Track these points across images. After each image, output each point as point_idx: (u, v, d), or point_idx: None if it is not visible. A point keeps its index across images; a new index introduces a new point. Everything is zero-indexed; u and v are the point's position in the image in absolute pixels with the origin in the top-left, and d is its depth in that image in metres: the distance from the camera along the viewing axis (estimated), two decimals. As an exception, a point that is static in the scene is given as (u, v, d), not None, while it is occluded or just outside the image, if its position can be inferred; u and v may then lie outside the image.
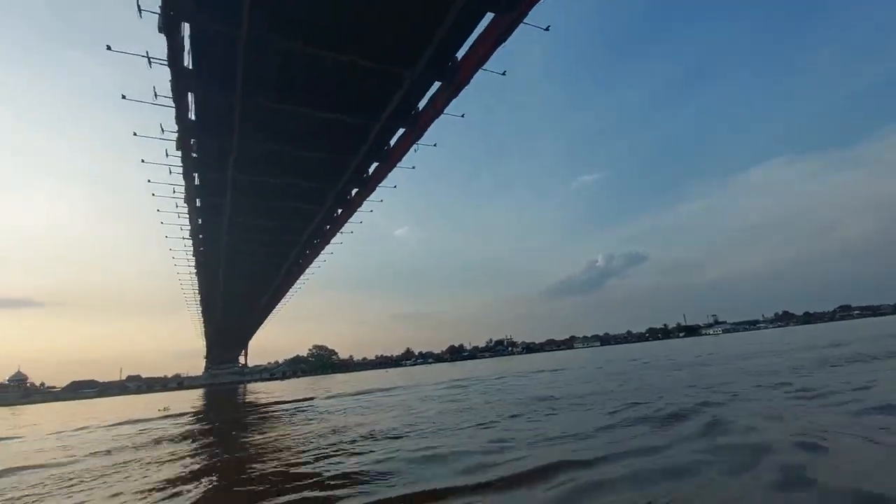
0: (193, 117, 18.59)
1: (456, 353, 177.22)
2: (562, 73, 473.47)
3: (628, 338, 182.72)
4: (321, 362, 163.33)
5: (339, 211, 30.44)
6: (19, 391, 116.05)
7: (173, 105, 16.90)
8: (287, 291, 52.25)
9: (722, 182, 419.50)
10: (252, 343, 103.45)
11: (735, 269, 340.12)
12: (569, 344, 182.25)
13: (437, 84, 17.82)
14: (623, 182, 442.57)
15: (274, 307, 62.85)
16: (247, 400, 42.47)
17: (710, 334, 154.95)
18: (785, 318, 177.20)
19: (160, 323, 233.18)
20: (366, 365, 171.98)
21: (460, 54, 16.04)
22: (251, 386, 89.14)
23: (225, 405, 38.79)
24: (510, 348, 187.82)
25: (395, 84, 16.80)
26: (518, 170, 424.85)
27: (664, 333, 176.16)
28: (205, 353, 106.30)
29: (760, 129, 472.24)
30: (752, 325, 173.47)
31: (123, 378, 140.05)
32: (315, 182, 24.59)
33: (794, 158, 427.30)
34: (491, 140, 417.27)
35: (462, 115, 20.00)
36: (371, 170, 24.69)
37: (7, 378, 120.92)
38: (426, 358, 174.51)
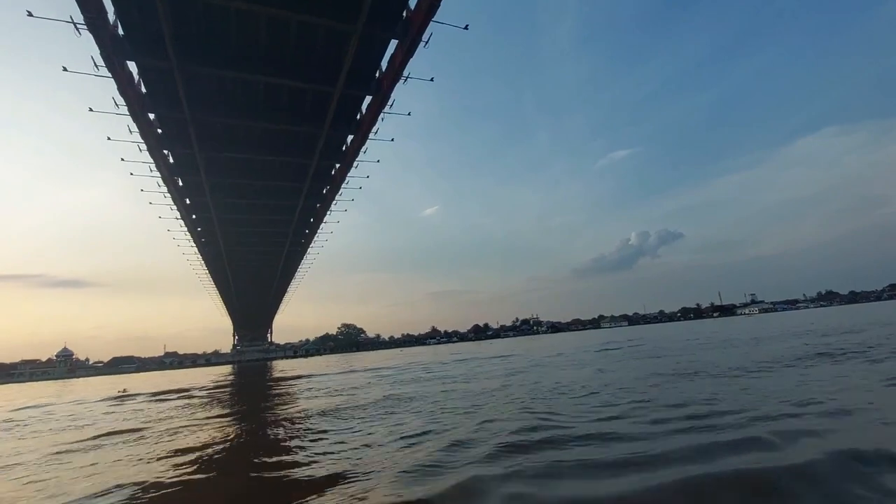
0: (144, 89, 17.73)
1: (480, 332, 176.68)
2: (593, 45, 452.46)
3: (659, 318, 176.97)
4: (348, 340, 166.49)
5: (326, 189, 29.48)
6: (65, 367, 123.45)
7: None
8: (296, 268, 52.26)
9: (765, 154, 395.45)
10: (285, 321, 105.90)
11: (777, 245, 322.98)
12: (595, 324, 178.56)
13: (393, 43, 16.25)
14: (657, 157, 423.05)
15: (288, 285, 63.35)
16: (252, 376, 42.81)
17: (745, 314, 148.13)
18: (828, 298, 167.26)
19: (197, 301, 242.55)
20: (391, 343, 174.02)
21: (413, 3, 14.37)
22: (274, 363, 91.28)
23: (227, 380, 39.12)
24: (535, 327, 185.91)
25: (344, 42, 15.30)
26: (547, 147, 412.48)
27: (696, 313, 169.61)
28: (232, 331, 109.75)
29: (810, 96, 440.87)
30: (792, 304, 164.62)
31: (161, 354, 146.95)
32: (289, 157, 23.51)
33: (847, 128, 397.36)
34: (518, 118, 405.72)
35: (431, 79, 18.35)
36: (349, 141, 23.45)
37: (55, 354, 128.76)
38: (450, 336, 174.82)
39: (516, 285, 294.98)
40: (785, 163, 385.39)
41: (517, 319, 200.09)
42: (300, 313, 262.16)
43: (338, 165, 25.95)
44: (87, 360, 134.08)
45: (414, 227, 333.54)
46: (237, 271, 49.15)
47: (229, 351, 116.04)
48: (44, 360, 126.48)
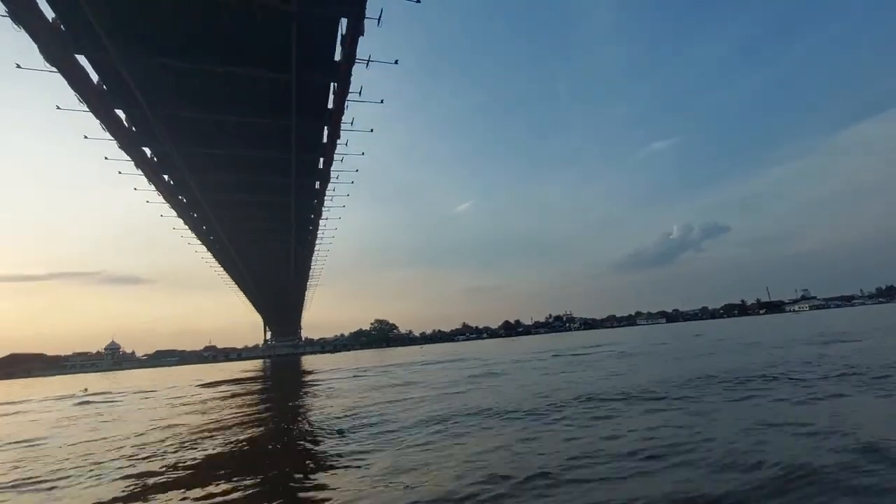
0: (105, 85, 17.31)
1: (511, 329, 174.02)
2: (631, 30, 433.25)
3: (700, 314, 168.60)
4: (378, 336, 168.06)
5: (318, 183, 28.69)
6: (112, 359, 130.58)
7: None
8: (309, 264, 52.25)
9: (818, 141, 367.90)
10: (323, 316, 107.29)
11: (831, 238, 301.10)
12: (631, 321, 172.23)
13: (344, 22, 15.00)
14: (701, 147, 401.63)
15: (305, 282, 63.76)
16: (271, 373, 43.05)
17: (794, 311, 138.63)
18: (889, 294, 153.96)
19: (236, 297, 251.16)
20: (421, 339, 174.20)
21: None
22: (302, 358, 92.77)
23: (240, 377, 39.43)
24: (568, 324, 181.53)
25: (286, 24, 14.22)
26: (584, 139, 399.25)
27: (741, 310, 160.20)
28: (263, 327, 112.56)
29: (869, 76, 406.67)
30: (847, 300, 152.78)
31: (202, 348, 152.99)
32: (268, 151, 22.76)
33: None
34: (552, 109, 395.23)
35: (396, 62, 17.06)
36: (326, 133, 22.47)
37: (104, 347, 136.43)
38: (480, 333, 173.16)
39: (550, 281, 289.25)
40: (840, 150, 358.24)
41: (550, 316, 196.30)
42: (339, 308, 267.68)
43: (322, 159, 25.07)
44: (133, 353, 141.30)
45: (448, 224, 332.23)
46: (250, 269, 49.63)
47: (261, 346, 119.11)
48: (93, 352, 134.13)
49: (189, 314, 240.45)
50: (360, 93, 18.23)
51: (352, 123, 20.89)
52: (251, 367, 66.91)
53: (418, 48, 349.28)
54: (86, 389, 33.43)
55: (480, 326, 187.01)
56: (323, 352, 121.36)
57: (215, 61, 16.00)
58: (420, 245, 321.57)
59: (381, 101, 19.59)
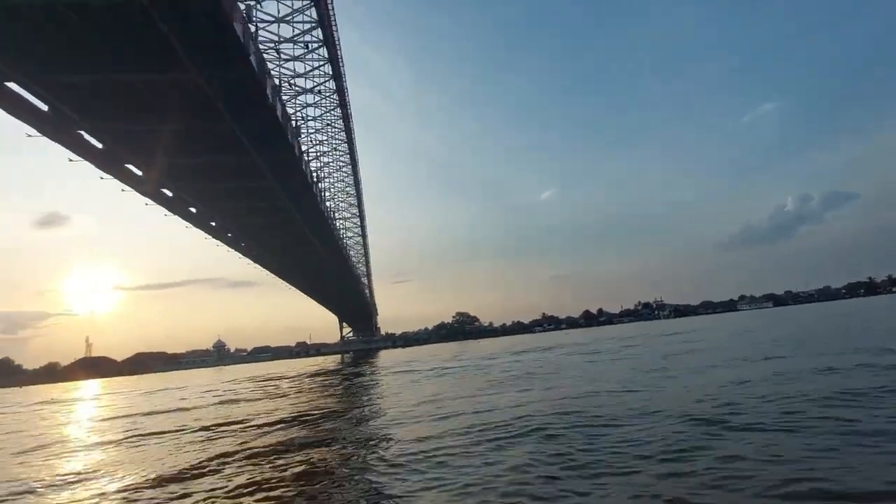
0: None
1: (591, 318, 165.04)
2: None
3: (817, 296, 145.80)
4: (457, 329, 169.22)
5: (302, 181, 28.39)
6: (217, 356, 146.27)
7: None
8: (348, 264, 53.30)
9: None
10: (405, 311, 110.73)
11: None
12: (730, 306, 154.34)
13: None
14: (815, 105, 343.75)
15: (355, 280, 65.38)
16: (331, 369, 44.54)
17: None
18: None
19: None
20: (500, 331, 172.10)
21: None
22: (376, 353, 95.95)
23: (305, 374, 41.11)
24: (657, 312, 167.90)
25: None
26: (671, 110, 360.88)
27: (869, 289, 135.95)
28: (339, 323, 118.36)
29: None
30: None
31: (293, 344, 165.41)
32: (219, 155, 22.73)
33: None
34: (633, 83, 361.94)
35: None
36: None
37: (212, 345, 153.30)
38: (559, 323, 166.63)
39: (640, 266, 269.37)
40: None
41: (639, 303, 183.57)
42: (425, 302, 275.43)
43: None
44: (236, 349, 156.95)
45: (531, 213, 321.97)
46: (307, 279, 52.06)
47: (338, 342, 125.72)
48: (203, 350, 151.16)
49: (285, 313, 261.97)
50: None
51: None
52: (320, 362, 71.35)
53: (484, 37, 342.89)
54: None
55: (561, 316, 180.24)
56: (395, 346, 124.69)
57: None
58: (503, 236, 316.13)
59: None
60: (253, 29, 16.77)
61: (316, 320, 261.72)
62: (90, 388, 68.68)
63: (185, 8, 13.49)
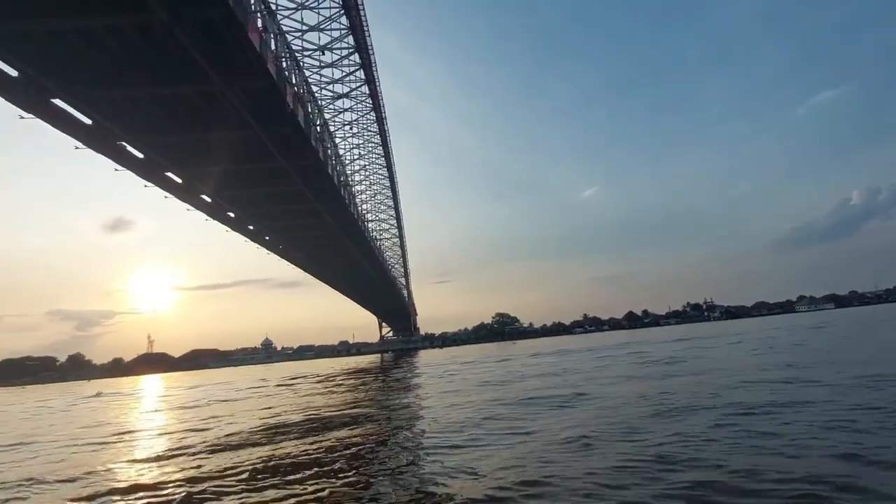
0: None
1: (635, 320, 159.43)
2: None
3: (885, 296, 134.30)
4: (496, 330, 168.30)
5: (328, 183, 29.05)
6: (265, 353, 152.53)
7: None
8: (383, 265, 54.16)
9: None
10: (445, 311, 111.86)
11: None
12: (787, 307, 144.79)
13: None
14: (881, 90, 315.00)
15: (391, 282, 66.30)
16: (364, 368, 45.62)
17: None
18: None
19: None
20: (540, 332, 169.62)
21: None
22: (410, 352, 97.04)
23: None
24: (707, 313, 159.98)
25: None
26: (721, 105, 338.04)
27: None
28: (378, 323, 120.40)
29: None
30: None
31: (337, 343, 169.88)
32: (254, 164, 23.61)
33: None
34: (681, 79, 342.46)
35: None
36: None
37: (260, 343, 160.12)
38: (600, 325, 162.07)
39: (689, 266, 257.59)
40: None
41: (687, 304, 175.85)
42: (466, 302, 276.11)
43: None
44: (283, 347, 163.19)
45: (573, 212, 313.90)
46: (327, 273, 53.24)
47: (378, 341, 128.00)
48: (251, 347, 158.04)
49: (328, 313, 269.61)
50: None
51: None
52: (361, 361, 73.55)
53: (523, 39, 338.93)
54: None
55: (604, 318, 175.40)
56: (433, 346, 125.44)
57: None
58: (545, 235, 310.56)
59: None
60: (273, 43, 17.30)
61: (358, 320, 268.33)
62: (156, 382, 73.67)
63: (205, 23, 14.20)
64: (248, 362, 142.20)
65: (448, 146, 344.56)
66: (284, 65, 18.05)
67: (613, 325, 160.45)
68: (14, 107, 16.74)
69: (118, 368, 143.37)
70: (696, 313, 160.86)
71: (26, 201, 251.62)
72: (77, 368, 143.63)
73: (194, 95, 18.17)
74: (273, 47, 17.05)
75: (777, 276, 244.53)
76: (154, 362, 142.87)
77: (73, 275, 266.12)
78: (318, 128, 23.83)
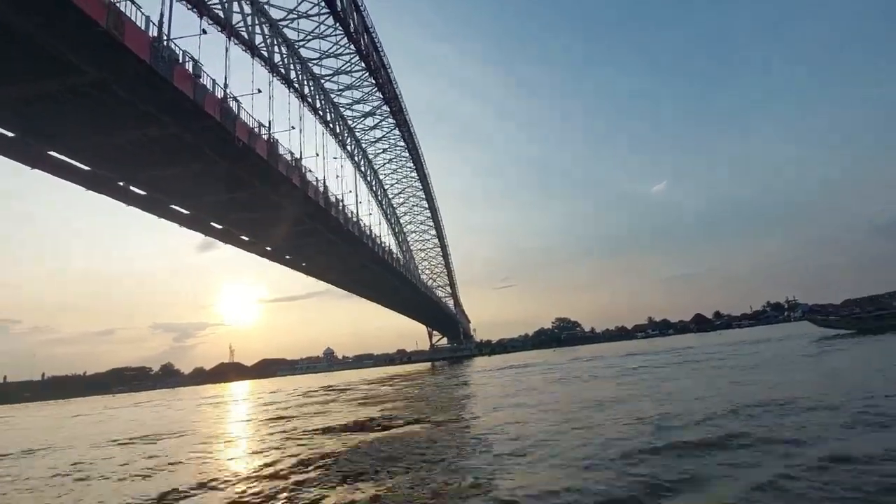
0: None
1: (704, 323, 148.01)
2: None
3: None
4: (552, 336, 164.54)
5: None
6: (327, 362, 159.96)
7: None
8: (405, 275, 55.34)
9: None
10: (505, 314, 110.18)
11: None
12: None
13: None
14: None
15: (421, 291, 67.34)
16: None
17: None
18: None
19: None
20: (603, 337, 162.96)
21: None
22: (459, 360, 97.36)
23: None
24: (789, 313, 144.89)
25: None
26: (787, 78, 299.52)
27: None
28: (427, 331, 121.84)
29: None
30: None
31: (394, 352, 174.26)
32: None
33: None
34: (727, 56, 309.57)
35: None
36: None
37: (322, 352, 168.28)
38: (665, 329, 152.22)
39: (770, 262, 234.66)
40: None
41: (767, 303, 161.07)
42: (528, 306, 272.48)
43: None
44: (343, 356, 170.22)
45: (642, 208, 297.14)
46: (365, 293, 55.54)
47: (427, 349, 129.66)
48: (315, 356, 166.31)
49: (384, 323, 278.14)
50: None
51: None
52: (413, 368, 75.15)
53: (572, 33, 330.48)
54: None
55: (673, 320, 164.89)
56: (482, 354, 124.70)
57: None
58: (610, 235, 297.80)
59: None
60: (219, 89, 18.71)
61: (411, 329, 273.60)
62: (241, 388, 75.62)
63: (146, 75, 15.79)
64: (312, 371, 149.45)
65: (506, 148, 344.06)
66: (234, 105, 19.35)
67: (680, 328, 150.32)
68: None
69: (200, 377, 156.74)
70: (775, 314, 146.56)
71: (133, 229, 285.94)
72: (168, 377, 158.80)
73: (165, 138, 20.02)
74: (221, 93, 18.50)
75: (877, 268, 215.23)
76: (228, 372, 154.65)
77: (172, 291, 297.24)
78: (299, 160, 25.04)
